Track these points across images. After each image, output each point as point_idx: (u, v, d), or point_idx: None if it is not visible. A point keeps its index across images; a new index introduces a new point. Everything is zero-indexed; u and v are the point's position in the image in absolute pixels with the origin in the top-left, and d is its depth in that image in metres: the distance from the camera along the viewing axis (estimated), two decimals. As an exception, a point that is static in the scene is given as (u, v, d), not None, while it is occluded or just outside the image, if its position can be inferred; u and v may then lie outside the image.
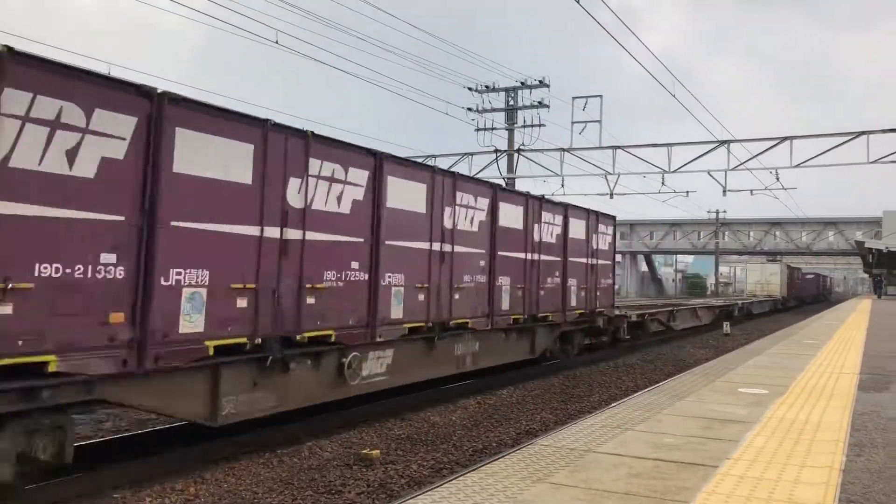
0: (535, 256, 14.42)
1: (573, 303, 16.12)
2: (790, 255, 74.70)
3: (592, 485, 4.48)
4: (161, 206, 6.72)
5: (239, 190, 7.58)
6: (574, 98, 26.01)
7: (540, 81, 29.50)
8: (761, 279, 54.41)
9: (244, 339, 7.61)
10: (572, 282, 16.04)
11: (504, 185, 29.89)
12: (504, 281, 13.22)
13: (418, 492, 4.49)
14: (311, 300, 8.48)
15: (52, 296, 5.85)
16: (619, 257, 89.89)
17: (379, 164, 9.75)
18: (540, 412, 11.39)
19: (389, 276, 9.94)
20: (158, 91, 6.78)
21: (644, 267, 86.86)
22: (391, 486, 7.31)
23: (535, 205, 14.43)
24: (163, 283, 6.74)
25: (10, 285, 5.56)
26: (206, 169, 7.22)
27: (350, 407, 10.33)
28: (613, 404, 7.81)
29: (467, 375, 12.94)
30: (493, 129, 29.76)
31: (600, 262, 17.78)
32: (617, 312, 19.56)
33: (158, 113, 6.74)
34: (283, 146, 8.15)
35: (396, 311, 10.10)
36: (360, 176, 9.42)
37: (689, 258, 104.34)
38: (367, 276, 9.48)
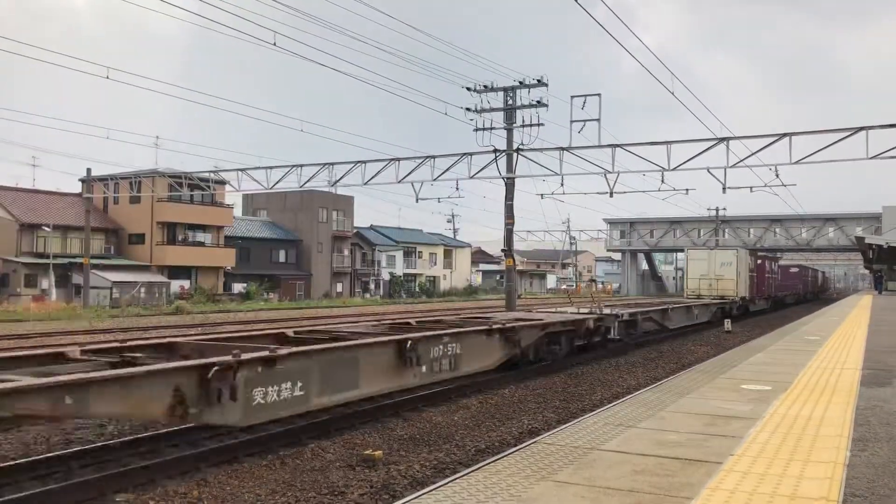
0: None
1: None
2: (790, 251, 74.67)
3: (596, 482, 4.47)
4: None
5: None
6: (573, 97, 26.00)
7: (538, 80, 29.50)
8: (708, 273, 35.66)
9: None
10: None
11: (504, 184, 29.94)
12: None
13: (422, 491, 4.48)
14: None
15: None
16: (618, 255, 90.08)
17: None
18: (542, 411, 11.38)
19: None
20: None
21: (644, 265, 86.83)
22: (394, 486, 7.30)
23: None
24: None
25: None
26: None
27: (352, 408, 10.33)
28: (616, 402, 7.80)
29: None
30: (492, 128, 29.76)
31: None
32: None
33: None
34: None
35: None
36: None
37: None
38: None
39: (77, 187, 56.24)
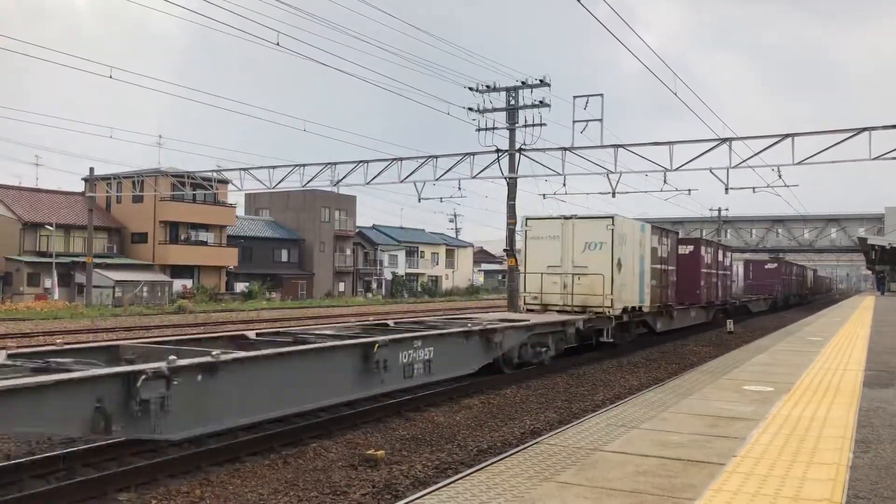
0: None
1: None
2: (793, 252, 74.62)
3: (599, 483, 4.47)
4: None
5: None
6: (575, 97, 25.95)
7: (541, 81, 29.46)
8: (562, 262, 18.87)
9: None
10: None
11: (506, 184, 29.94)
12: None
13: (424, 491, 4.48)
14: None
15: None
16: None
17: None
18: (544, 411, 11.37)
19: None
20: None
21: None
22: (396, 486, 7.30)
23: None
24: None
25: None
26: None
27: (354, 408, 10.33)
28: (618, 403, 7.80)
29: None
30: (494, 128, 29.71)
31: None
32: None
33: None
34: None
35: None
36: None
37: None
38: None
39: (80, 186, 56.30)
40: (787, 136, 24.29)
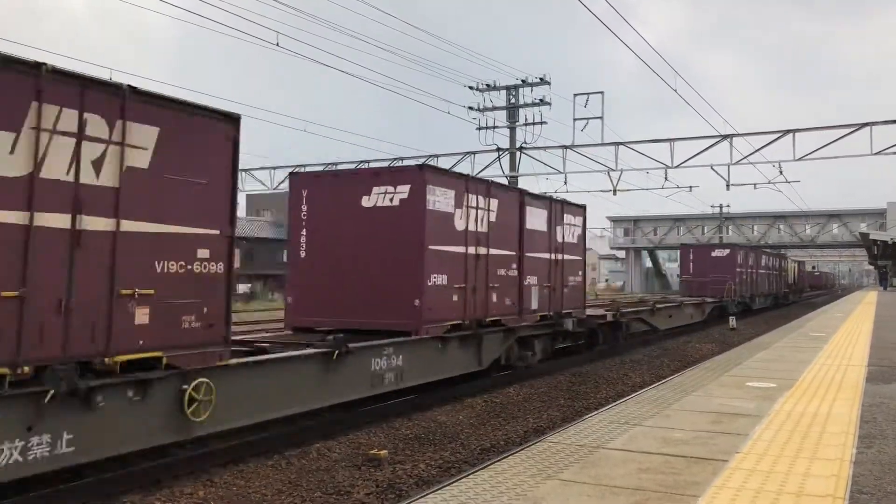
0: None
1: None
2: (795, 248, 74.59)
3: (602, 480, 4.47)
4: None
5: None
6: (575, 95, 26.02)
7: (541, 79, 29.49)
8: None
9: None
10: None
11: (507, 182, 29.95)
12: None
13: (428, 491, 4.49)
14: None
15: None
16: (622, 253, 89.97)
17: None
18: (547, 410, 11.37)
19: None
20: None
21: (648, 263, 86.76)
22: (400, 485, 7.31)
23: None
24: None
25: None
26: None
27: (358, 408, 10.33)
28: (621, 400, 7.80)
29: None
30: (494, 127, 29.76)
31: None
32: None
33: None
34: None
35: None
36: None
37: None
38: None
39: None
40: (787, 131, 24.31)
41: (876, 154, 23.75)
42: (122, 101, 6.51)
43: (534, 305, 14.22)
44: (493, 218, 12.74)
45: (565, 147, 27.34)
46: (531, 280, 14.11)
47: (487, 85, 30.00)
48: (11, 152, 5.70)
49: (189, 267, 7.07)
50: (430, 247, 10.92)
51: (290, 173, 12.46)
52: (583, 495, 4.19)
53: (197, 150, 7.24)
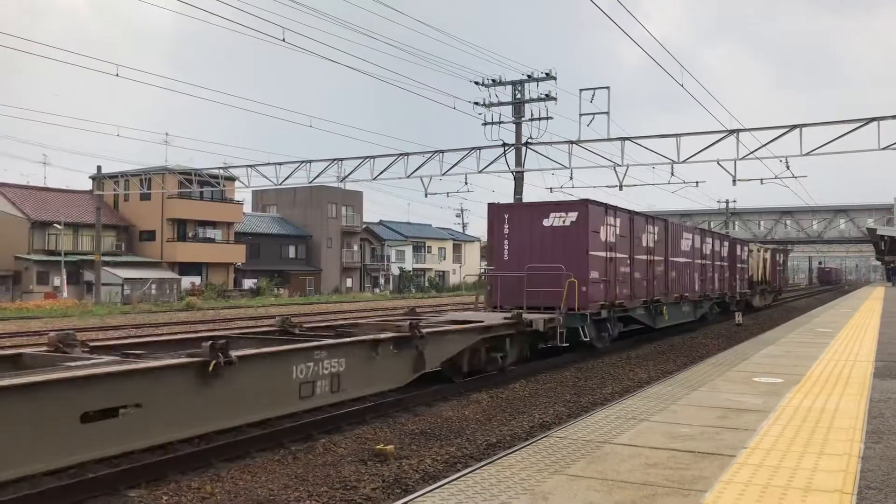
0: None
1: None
2: (801, 243, 74.35)
3: (609, 475, 4.46)
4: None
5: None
6: (581, 90, 25.85)
7: (547, 74, 29.38)
8: None
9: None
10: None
11: (513, 178, 29.92)
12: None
13: (434, 485, 4.48)
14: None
15: None
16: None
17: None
18: (553, 405, 11.36)
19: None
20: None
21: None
22: (406, 480, 7.31)
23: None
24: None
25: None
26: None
27: (363, 403, 10.34)
28: (627, 396, 7.79)
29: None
30: (500, 122, 29.65)
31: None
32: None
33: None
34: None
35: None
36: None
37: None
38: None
39: (87, 185, 56.54)
40: (794, 126, 24.17)
41: (883, 149, 23.60)
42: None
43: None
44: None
45: (571, 142, 27.25)
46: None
47: (493, 80, 29.91)
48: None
49: None
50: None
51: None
52: (590, 490, 4.18)
53: None
